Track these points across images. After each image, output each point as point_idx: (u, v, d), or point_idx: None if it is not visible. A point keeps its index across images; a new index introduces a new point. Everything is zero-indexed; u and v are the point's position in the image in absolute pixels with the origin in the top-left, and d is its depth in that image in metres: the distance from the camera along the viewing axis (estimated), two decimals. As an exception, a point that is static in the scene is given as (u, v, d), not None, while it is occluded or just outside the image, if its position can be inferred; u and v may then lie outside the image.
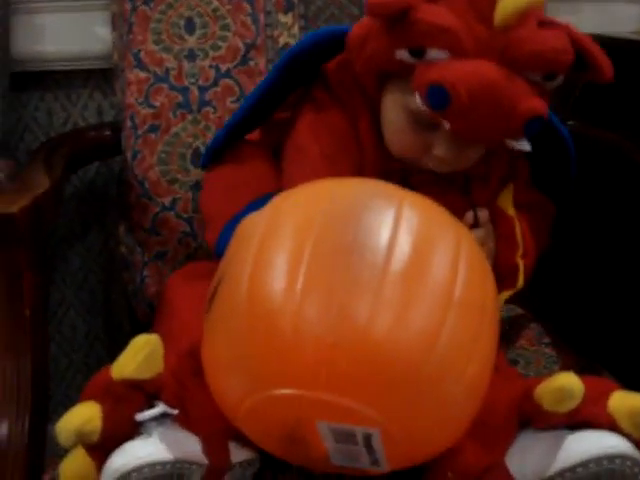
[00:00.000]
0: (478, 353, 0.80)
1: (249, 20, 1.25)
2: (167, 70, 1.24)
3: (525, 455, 0.86)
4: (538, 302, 1.30)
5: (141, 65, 1.25)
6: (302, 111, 1.05)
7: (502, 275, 0.99)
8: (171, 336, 0.96)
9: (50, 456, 0.98)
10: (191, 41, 1.25)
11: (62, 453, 0.87)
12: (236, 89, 1.24)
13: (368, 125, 1.00)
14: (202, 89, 1.24)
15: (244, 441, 0.86)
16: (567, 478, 0.84)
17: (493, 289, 0.86)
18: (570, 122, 1.26)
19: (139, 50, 1.25)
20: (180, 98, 1.24)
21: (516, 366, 1.10)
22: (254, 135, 1.13)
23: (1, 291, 0.96)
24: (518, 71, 0.89)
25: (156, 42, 1.24)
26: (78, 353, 1.55)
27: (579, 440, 0.85)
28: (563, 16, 1.02)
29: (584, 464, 0.83)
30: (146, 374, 0.86)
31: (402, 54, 0.92)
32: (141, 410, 0.86)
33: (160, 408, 0.86)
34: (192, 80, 1.24)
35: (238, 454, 0.88)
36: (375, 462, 0.80)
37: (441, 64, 0.89)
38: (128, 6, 1.25)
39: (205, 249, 1.19)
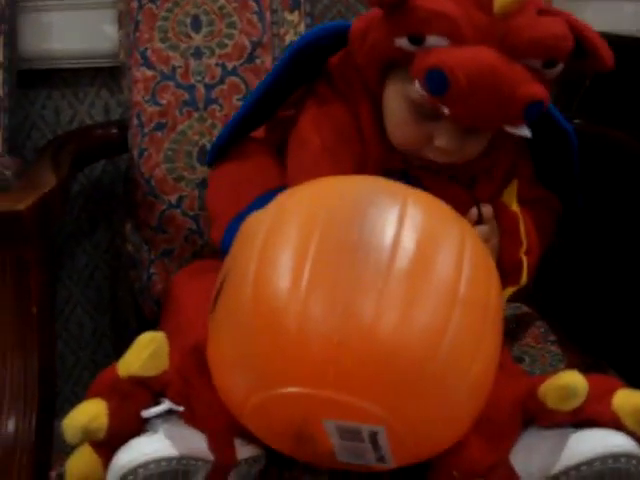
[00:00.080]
0: (483, 350, 0.81)
1: (255, 18, 1.25)
2: (173, 68, 1.25)
3: (530, 453, 0.86)
4: (544, 300, 1.30)
5: (148, 63, 1.25)
6: (305, 106, 1.05)
7: (506, 271, 0.99)
8: (177, 333, 0.96)
9: (57, 452, 0.99)
10: (197, 39, 1.25)
11: (69, 450, 0.88)
12: (242, 87, 1.24)
13: (370, 118, 1.00)
14: (208, 87, 1.25)
15: (250, 438, 0.86)
16: (572, 476, 0.84)
17: (497, 286, 0.86)
18: (576, 121, 1.26)
19: (146, 48, 1.25)
20: (186, 96, 1.24)
21: (521, 364, 1.10)
22: (259, 133, 1.13)
23: (8, 288, 0.96)
24: (518, 58, 0.89)
25: (162, 40, 1.25)
26: (85, 350, 1.55)
27: (584, 438, 0.85)
28: (569, 14, 1.02)
29: (589, 462, 0.83)
30: (152, 371, 0.86)
31: (402, 42, 0.92)
32: (147, 407, 0.86)
33: (166, 405, 0.86)
34: (198, 78, 1.25)
35: (244, 451, 0.88)
36: (381, 459, 0.81)
37: (440, 50, 0.89)
38: (135, 4, 1.25)
39: (211, 246, 1.19)
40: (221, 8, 1.25)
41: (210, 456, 0.86)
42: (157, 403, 0.87)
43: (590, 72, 0.97)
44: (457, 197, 0.97)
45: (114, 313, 1.53)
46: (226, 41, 1.25)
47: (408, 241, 0.78)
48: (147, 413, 0.86)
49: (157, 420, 0.87)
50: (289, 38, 1.25)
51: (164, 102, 1.24)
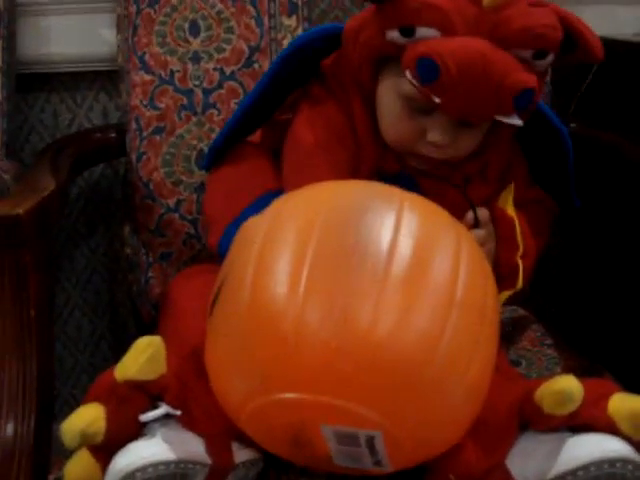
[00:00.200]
0: (479, 354, 0.81)
1: (253, 23, 1.26)
2: (172, 72, 1.25)
3: (526, 458, 0.86)
4: (540, 303, 1.31)
5: (146, 67, 1.25)
6: (299, 107, 1.06)
7: (502, 275, 1.00)
8: (174, 337, 0.97)
9: (56, 455, 0.99)
10: (195, 44, 1.25)
11: (67, 453, 0.88)
12: (240, 91, 1.25)
13: (364, 118, 1.01)
14: (206, 91, 1.25)
15: (247, 441, 0.87)
16: (568, 481, 0.84)
17: (493, 290, 0.86)
18: (572, 124, 1.27)
19: (144, 52, 1.25)
20: (185, 100, 1.25)
21: (518, 367, 1.10)
22: (255, 136, 1.13)
23: (7, 292, 0.96)
24: (508, 48, 0.89)
25: (161, 45, 1.25)
26: (83, 353, 1.55)
27: (580, 443, 0.85)
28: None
29: (585, 467, 0.83)
30: (149, 375, 0.86)
31: (393, 34, 0.92)
32: (145, 411, 0.87)
33: (163, 409, 0.87)
34: (196, 82, 1.25)
35: (241, 454, 0.88)
36: (378, 463, 0.81)
37: (430, 40, 0.90)
38: (133, 9, 1.26)
39: (209, 250, 1.19)
40: (219, 13, 1.25)
41: (208, 460, 0.86)
42: (155, 407, 0.87)
43: (580, 63, 0.96)
44: (452, 199, 0.98)
45: (112, 316, 1.53)
46: (224, 46, 1.25)
47: (404, 246, 0.78)
48: (145, 417, 0.86)
49: (155, 424, 0.87)
50: (287, 43, 1.25)
51: (162, 106, 1.25)
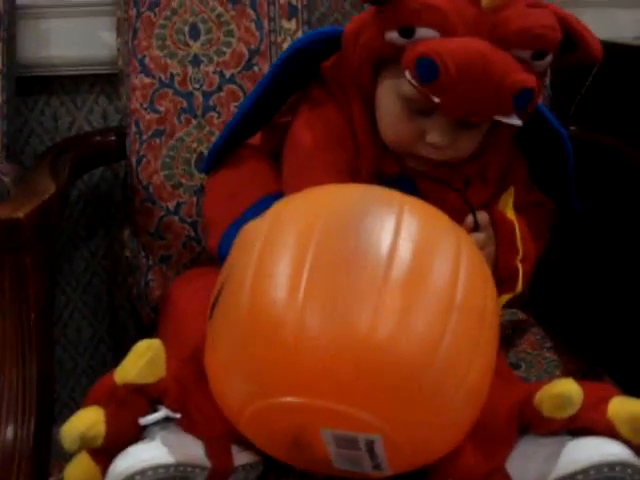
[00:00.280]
0: (479, 357, 0.81)
1: (253, 26, 1.26)
2: (172, 75, 1.25)
3: (526, 461, 0.86)
4: (540, 306, 1.31)
5: (146, 70, 1.25)
6: (299, 109, 1.06)
7: (501, 279, 1.00)
8: (174, 341, 0.97)
9: (56, 458, 0.99)
10: (195, 47, 1.25)
11: (67, 456, 0.88)
12: (240, 94, 1.25)
13: (363, 121, 1.01)
14: (206, 94, 1.25)
15: (247, 444, 0.87)
16: (568, 485, 0.84)
17: (493, 293, 0.86)
18: (572, 128, 1.27)
19: (144, 56, 1.26)
20: (184, 103, 1.25)
21: (518, 370, 1.10)
22: (255, 139, 1.14)
23: (7, 295, 0.97)
24: (507, 49, 0.90)
25: (161, 48, 1.25)
26: (83, 356, 1.55)
27: (579, 447, 0.85)
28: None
29: (584, 471, 0.83)
30: (149, 378, 0.86)
31: (392, 35, 0.93)
32: (144, 414, 0.87)
33: (163, 412, 0.87)
34: (196, 85, 1.25)
35: (241, 457, 0.88)
36: (377, 466, 0.81)
37: (430, 41, 0.90)
38: (133, 12, 1.26)
39: (209, 253, 1.19)
40: (219, 16, 1.25)
41: (207, 463, 0.86)
42: (154, 410, 0.87)
43: (579, 64, 0.97)
44: (452, 202, 0.98)
45: (112, 318, 1.53)
46: (224, 49, 1.25)
47: (404, 250, 0.78)
48: (144, 420, 0.86)
49: (154, 427, 0.87)
50: (287, 46, 1.25)
51: (162, 109, 1.25)
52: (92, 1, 1.39)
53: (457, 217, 0.94)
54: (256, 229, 0.84)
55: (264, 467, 0.90)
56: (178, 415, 0.87)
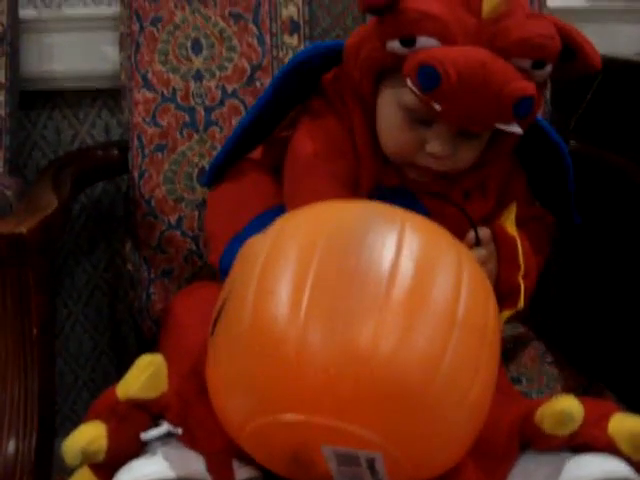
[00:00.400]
0: (480, 374, 0.81)
1: (255, 41, 1.26)
2: (174, 90, 1.26)
3: (527, 478, 0.86)
4: (540, 320, 1.31)
5: (148, 85, 1.26)
6: (300, 121, 1.06)
7: (503, 294, 1.00)
8: (176, 356, 0.97)
9: (57, 473, 0.99)
10: (198, 62, 1.26)
11: (69, 470, 0.88)
12: (242, 109, 1.26)
13: (364, 133, 1.01)
14: (208, 109, 1.26)
15: (248, 459, 0.87)
16: (569, 501, 0.84)
17: (494, 310, 0.86)
18: (572, 142, 1.27)
19: (146, 70, 1.26)
20: (187, 118, 1.26)
21: (518, 385, 1.10)
22: (256, 154, 1.14)
23: (9, 310, 0.97)
24: (507, 58, 0.90)
25: (163, 63, 1.26)
26: (84, 368, 1.55)
27: (580, 464, 0.85)
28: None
29: None
30: (150, 393, 0.86)
31: (394, 45, 0.93)
32: (146, 429, 0.87)
33: (164, 427, 0.87)
34: (198, 100, 1.26)
35: (242, 472, 0.88)
36: (378, 483, 0.81)
37: (431, 49, 0.90)
38: (136, 27, 1.27)
39: (210, 267, 1.20)
40: (221, 31, 1.26)
41: (208, 477, 0.86)
42: (156, 425, 0.87)
43: (578, 74, 0.97)
44: (452, 215, 0.99)
45: (113, 332, 1.54)
46: (226, 64, 1.26)
47: (406, 267, 0.78)
48: (146, 435, 0.86)
49: (156, 442, 0.87)
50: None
51: (164, 124, 1.26)
52: (95, 16, 1.40)
53: (458, 230, 0.94)
54: (258, 245, 0.85)
55: (265, 482, 0.90)
56: (179, 430, 0.87)
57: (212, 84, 1.26)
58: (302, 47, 1.27)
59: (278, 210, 1.04)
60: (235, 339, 0.80)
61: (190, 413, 0.88)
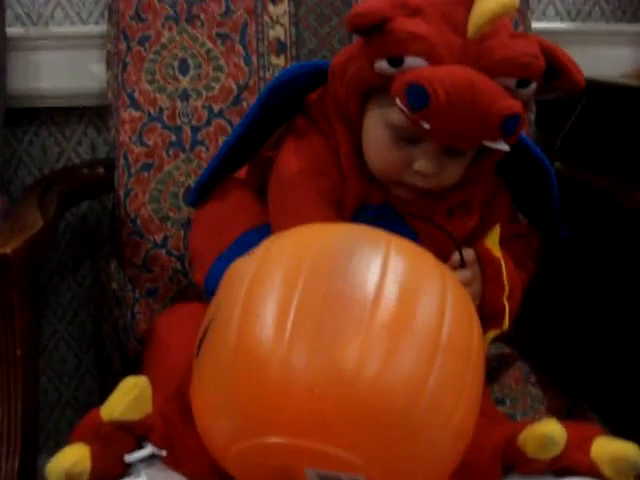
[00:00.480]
0: (464, 398, 0.81)
1: (242, 62, 1.27)
2: (161, 109, 1.26)
3: (510, 501, 0.87)
4: (524, 341, 1.31)
5: (135, 104, 1.26)
6: (285, 140, 1.07)
7: (488, 316, 1.00)
8: (160, 376, 0.97)
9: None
10: (185, 81, 1.26)
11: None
12: (228, 129, 1.26)
13: (349, 151, 1.02)
14: (195, 129, 1.26)
15: (232, 480, 0.87)
16: (551, 525, 0.85)
17: (479, 332, 0.87)
18: (557, 163, 1.28)
19: (133, 89, 1.26)
20: (173, 137, 1.26)
21: (503, 405, 1.11)
22: (241, 173, 1.14)
23: (-7, 331, 0.97)
24: (493, 77, 0.91)
25: (150, 82, 1.26)
26: (68, 386, 1.55)
27: (563, 487, 0.86)
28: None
29: None
30: (135, 415, 0.86)
31: (381, 64, 0.94)
32: (130, 451, 0.86)
33: (149, 449, 0.87)
34: (185, 120, 1.26)
35: (226, 493, 0.88)
36: (361, 505, 0.81)
37: (419, 69, 0.91)
38: (123, 46, 1.27)
39: (195, 287, 1.20)
40: (208, 52, 1.26)
41: (193, 499, 0.86)
42: (140, 447, 0.87)
43: (562, 93, 0.99)
44: (436, 233, 0.99)
45: (97, 350, 1.53)
46: (213, 84, 1.26)
47: (390, 291, 0.79)
48: (130, 458, 0.86)
49: (140, 464, 0.87)
50: (275, 82, 1.27)
51: (151, 143, 1.26)
52: (82, 34, 1.40)
53: (443, 249, 0.95)
54: (244, 267, 0.85)
55: (249, 504, 0.90)
56: (164, 452, 0.87)
57: (199, 104, 1.26)
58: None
59: (263, 229, 1.04)
60: (220, 360, 0.80)
61: (174, 434, 0.88)
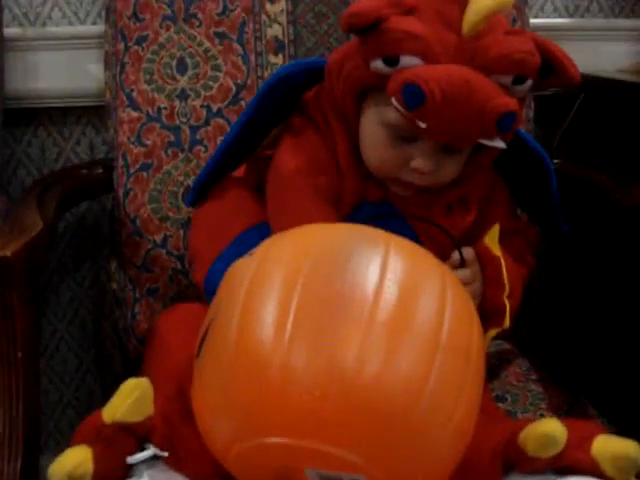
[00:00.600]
0: (465, 397, 0.81)
1: (240, 61, 1.27)
2: (159, 109, 1.26)
3: (511, 501, 0.87)
4: (524, 337, 1.31)
5: (133, 104, 1.26)
6: (282, 138, 1.07)
7: (488, 314, 1.00)
8: (161, 376, 0.97)
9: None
10: (183, 81, 1.26)
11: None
12: (227, 128, 1.26)
13: (346, 149, 1.02)
14: (193, 128, 1.26)
15: (233, 481, 0.87)
16: (553, 524, 0.85)
17: (479, 331, 0.87)
18: (555, 160, 1.28)
19: (131, 89, 1.26)
20: (172, 137, 1.26)
21: (503, 403, 1.11)
22: (239, 172, 1.14)
23: (-7, 333, 0.97)
24: (488, 75, 0.91)
25: (148, 82, 1.26)
26: (69, 387, 1.55)
27: (564, 487, 0.86)
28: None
29: None
30: (136, 417, 0.86)
31: (377, 64, 0.94)
32: (132, 453, 0.87)
33: (151, 451, 0.87)
34: (184, 119, 1.26)
35: (228, 494, 0.89)
36: (362, 505, 0.81)
37: (415, 68, 0.91)
38: (121, 46, 1.27)
39: (195, 286, 1.20)
40: (206, 51, 1.26)
41: (194, 500, 0.86)
42: (142, 449, 0.87)
43: (558, 88, 0.99)
44: (437, 232, 0.99)
45: (98, 350, 1.53)
46: (211, 83, 1.26)
47: (390, 291, 0.79)
48: (132, 459, 0.86)
49: (142, 465, 0.87)
50: (273, 81, 1.26)
51: (149, 143, 1.26)
52: (80, 34, 1.40)
53: (442, 247, 0.95)
54: (243, 268, 0.85)
55: (250, 504, 0.90)
56: (165, 453, 0.87)
57: (197, 103, 1.26)
58: (286, 66, 1.27)
59: (261, 227, 1.04)
60: (220, 362, 0.80)
61: (176, 435, 0.88)
